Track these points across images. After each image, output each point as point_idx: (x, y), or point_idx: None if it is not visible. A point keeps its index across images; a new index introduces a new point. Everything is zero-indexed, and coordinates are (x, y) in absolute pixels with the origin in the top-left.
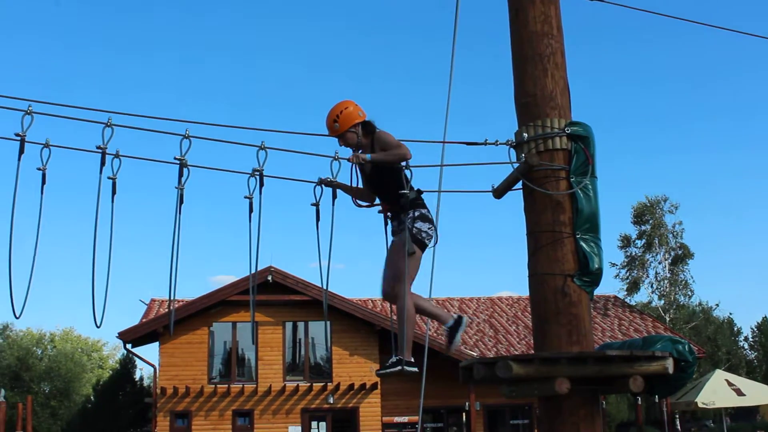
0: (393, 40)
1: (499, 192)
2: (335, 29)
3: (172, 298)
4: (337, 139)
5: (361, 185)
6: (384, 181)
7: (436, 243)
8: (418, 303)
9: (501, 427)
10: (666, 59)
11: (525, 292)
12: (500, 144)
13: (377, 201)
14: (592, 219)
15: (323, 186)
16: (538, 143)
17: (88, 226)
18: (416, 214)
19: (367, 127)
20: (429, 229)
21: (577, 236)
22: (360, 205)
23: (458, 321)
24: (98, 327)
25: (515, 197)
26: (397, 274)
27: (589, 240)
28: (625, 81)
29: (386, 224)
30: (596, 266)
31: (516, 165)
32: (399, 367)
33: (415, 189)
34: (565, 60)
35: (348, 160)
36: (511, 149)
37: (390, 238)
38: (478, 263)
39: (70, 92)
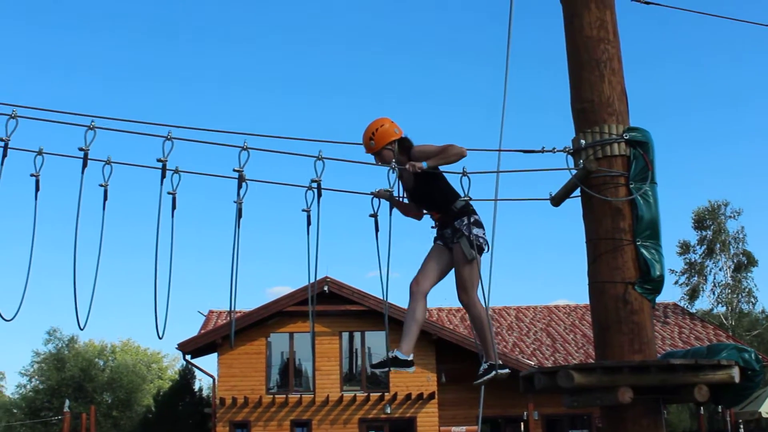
0: (448, 52)
1: (557, 200)
2: (389, 46)
3: (232, 309)
4: (374, 157)
5: (406, 200)
6: (431, 189)
7: (488, 250)
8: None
9: None
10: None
11: (582, 301)
12: (557, 151)
13: (424, 213)
14: (653, 225)
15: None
16: (596, 150)
17: (149, 239)
18: (471, 220)
19: (404, 143)
20: (483, 234)
21: (638, 243)
22: (407, 214)
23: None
24: (160, 338)
25: (573, 205)
26: (463, 284)
27: (650, 247)
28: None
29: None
30: (658, 273)
31: (574, 172)
32: (493, 372)
33: (464, 197)
34: (622, 65)
35: (407, 168)
36: (569, 156)
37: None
38: (535, 272)
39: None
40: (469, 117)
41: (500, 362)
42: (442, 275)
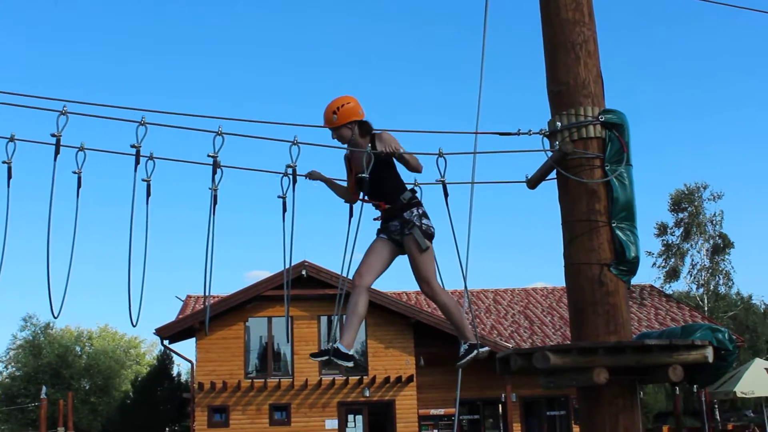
0: (424, 30)
1: (533, 182)
2: (369, 18)
3: (207, 295)
4: (331, 132)
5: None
6: (385, 177)
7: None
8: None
9: (537, 418)
10: (713, 45)
11: (559, 283)
12: (533, 134)
13: (359, 198)
14: (628, 207)
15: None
16: (571, 132)
17: (124, 224)
18: (420, 211)
19: (364, 126)
20: (431, 226)
21: (613, 225)
22: (364, 200)
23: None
24: (134, 326)
25: (549, 187)
26: (422, 275)
27: (626, 228)
28: (669, 69)
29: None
30: (633, 255)
31: (550, 154)
32: (475, 352)
33: (409, 188)
34: (597, 47)
35: (384, 151)
36: (545, 139)
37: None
38: (511, 255)
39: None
40: (446, 93)
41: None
42: (384, 268)
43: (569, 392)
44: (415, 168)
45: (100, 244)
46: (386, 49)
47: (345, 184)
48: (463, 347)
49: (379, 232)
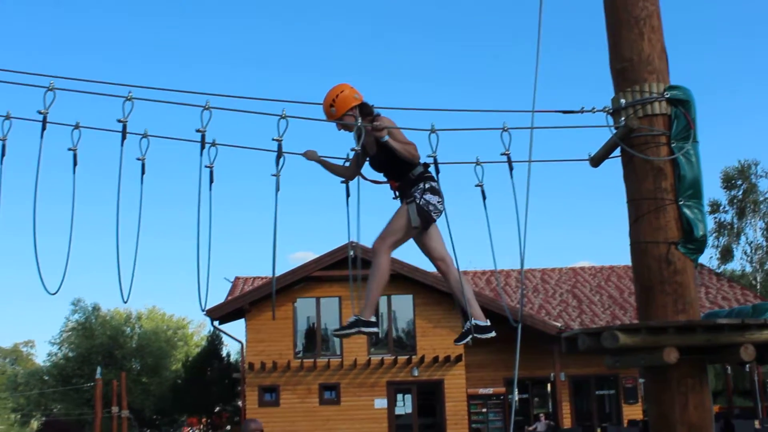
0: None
1: (596, 160)
2: None
3: (274, 275)
4: (335, 124)
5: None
6: (390, 157)
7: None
8: (459, 284)
9: (586, 397)
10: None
11: (605, 262)
12: (597, 111)
13: (358, 175)
14: (695, 185)
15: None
16: (636, 109)
17: (169, 205)
18: (426, 186)
19: (364, 109)
20: (438, 202)
21: (680, 203)
22: (365, 178)
23: (490, 328)
24: (203, 311)
25: (587, 169)
26: (386, 232)
27: (693, 206)
28: (719, 41)
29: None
30: (701, 233)
31: (614, 131)
32: (355, 329)
33: (422, 163)
34: (661, 22)
35: (371, 129)
36: (608, 116)
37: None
38: (554, 234)
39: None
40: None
41: (484, 323)
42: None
43: (619, 372)
44: (407, 160)
45: (143, 226)
46: (444, 20)
47: (345, 164)
48: (467, 325)
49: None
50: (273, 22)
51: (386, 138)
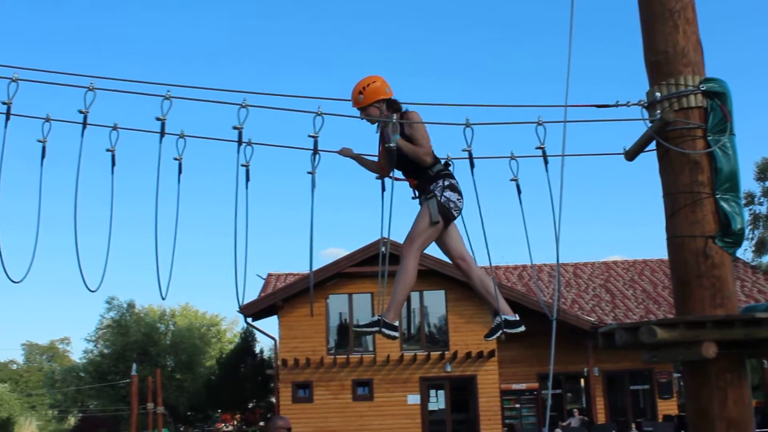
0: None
1: (630, 154)
2: None
3: (311, 270)
4: (359, 112)
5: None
6: (403, 155)
7: (458, 214)
8: (483, 281)
9: (620, 392)
10: None
11: (637, 256)
12: (632, 105)
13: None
14: (732, 178)
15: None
16: (672, 102)
17: (211, 205)
18: (446, 183)
19: (393, 105)
20: (458, 200)
21: (717, 196)
22: (388, 177)
23: (519, 322)
24: (240, 308)
25: (619, 162)
26: (413, 234)
27: (730, 200)
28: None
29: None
30: (738, 226)
31: (649, 124)
32: (377, 328)
33: (443, 161)
34: (696, 14)
35: (378, 122)
36: (643, 110)
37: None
38: (586, 228)
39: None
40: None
41: (513, 318)
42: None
43: (654, 366)
44: (414, 156)
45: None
46: (478, 16)
47: (376, 159)
48: (498, 319)
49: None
50: (310, 20)
51: (395, 140)
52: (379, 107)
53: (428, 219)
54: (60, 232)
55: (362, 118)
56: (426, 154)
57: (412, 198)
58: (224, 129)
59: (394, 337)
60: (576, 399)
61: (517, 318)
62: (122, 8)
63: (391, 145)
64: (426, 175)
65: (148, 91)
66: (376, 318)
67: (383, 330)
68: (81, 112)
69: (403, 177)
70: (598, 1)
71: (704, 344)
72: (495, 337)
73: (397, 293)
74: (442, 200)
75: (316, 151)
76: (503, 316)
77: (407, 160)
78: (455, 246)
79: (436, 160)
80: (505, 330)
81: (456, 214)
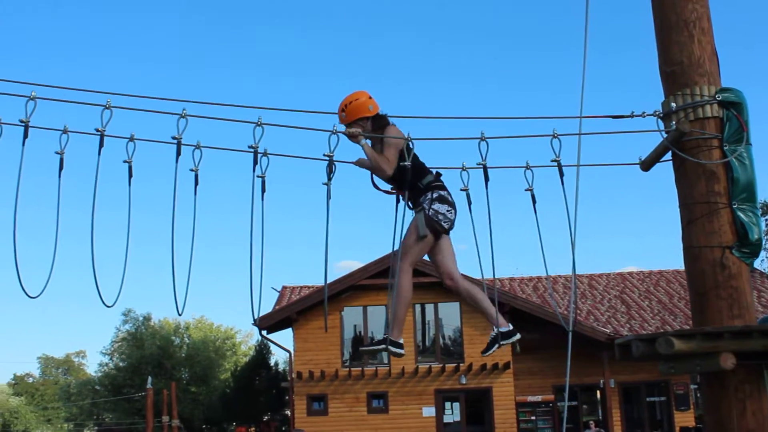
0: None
1: (646, 164)
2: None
3: (326, 286)
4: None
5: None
6: (399, 167)
7: (450, 227)
8: (471, 293)
9: (636, 404)
10: None
11: (652, 267)
12: (647, 115)
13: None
14: (749, 188)
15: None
16: (687, 112)
17: (223, 217)
18: (434, 195)
19: (378, 121)
20: (448, 211)
21: (734, 206)
22: (378, 188)
23: (513, 332)
24: (255, 322)
25: (633, 173)
26: (403, 249)
27: (747, 210)
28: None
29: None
30: (756, 237)
31: (665, 135)
32: (496, 345)
33: (434, 171)
34: (711, 24)
35: (343, 133)
36: (659, 120)
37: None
38: (600, 238)
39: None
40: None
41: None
42: (430, 249)
43: (670, 378)
44: (375, 170)
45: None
46: (492, 26)
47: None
48: (492, 334)
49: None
50: (326, 32)
51: (363, 141)
52: (363, 125)
53: (416, 235)
54: (75, 243)
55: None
56: (386, 163)
57: (410, 209)
58: (239, 139)
59: (400, 355)
60: (592, 411)
61: (511, 328)
62: (138, 23)
63: (362, 143)
64: (416, 187)
65: (165, 108)
66: (382, 337)
67: (390, 348)
68: (98, 130)
69: (390, 188)
70: (612, 11)
71: (722, 355)
72: (492, 351)
73: (397, 311)
74: (430, 213)
75: (331, 167)
76: (498, 329)
77: (397, 172)
78: (445, 263)
79: (427, 171)
80: (501, 342)
81: (446, 226)
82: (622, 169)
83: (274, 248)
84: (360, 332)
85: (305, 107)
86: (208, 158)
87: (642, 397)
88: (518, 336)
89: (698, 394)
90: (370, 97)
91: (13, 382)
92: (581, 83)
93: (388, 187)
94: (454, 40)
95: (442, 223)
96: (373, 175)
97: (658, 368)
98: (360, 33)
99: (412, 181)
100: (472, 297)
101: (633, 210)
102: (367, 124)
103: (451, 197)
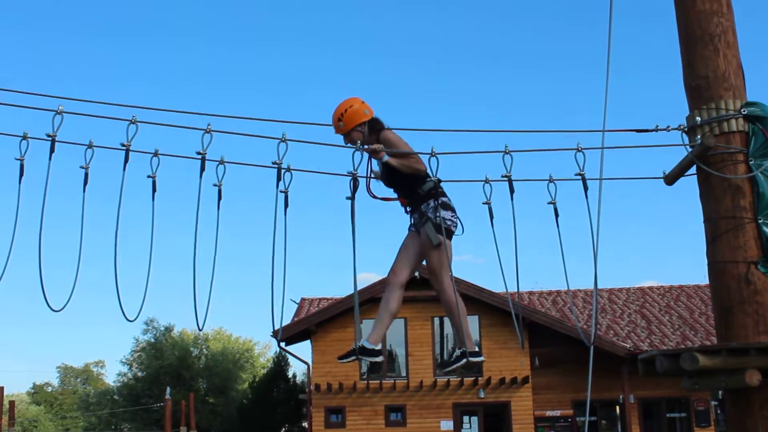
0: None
1: (670, 178)
2: (479, 15)
3: (356, 294)
4: (343, 138)
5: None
6: (398, 173)
7: (462, 231)
8: (451, 307)
9: (657, 420)
10: None
11: (672, 282)
12: (672, 129)
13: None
14: None
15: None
16: (712, 126)
17: (243, 231)
18: (438, 202)
19: (374, 125)
20: (452, 216)
21: (760, 221)
22: (375, 196)
23: (478, 353)
24: (274, 334)
25: (655, 185)
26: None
27: None
28: None
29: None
30: None
31: (689, 149)
32: (464, 360)
33: (433, 179)
34: (736, 38)
35: (365, 150)
36: (683, 134)
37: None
38: (619, 253)
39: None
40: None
41: (475, 349)
42: (418, 262)
43: (690, 394)
44: (412, 174)
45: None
46: (516, 45)
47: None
48: (458, 351)
49: (409, 226)
50: (346, 51)
51: (386, 158)
52: (361, 130)
53: (431, 245)
54: (98, 257)
55: (346, 143)
56: (417, 161)
57: (406, 212)
58: (262, 154)
59: (378, 362)
60: (611, 426)
61: (477, 350)
62: (166, 40)
63: (386, 158)
64: (416, 194)
65: (190, 123)
66: (459, 352)
67: (470, 359)
68: (123, 145)
69: (393, 196)
70: (637, 25)
71: (747, 372)
72: (453, 369)
73: (381, 321)
74: (437, 221)
75: (356, 185)
76: (465, 349)
77: (395, 179)
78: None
79: (427, 176)
80: (469, 359)
81: (453, 230)
82: (643, 182)
83: (293, 260)
84: (379, 345)
85: (329, 123)
86: (230, 173)
87: (662, 413)
88: (482, 358)
89: (719, 411)
90: (363, 102)
91: (33, 391)
92: (605, 97)
93: (386, 194)
94: (476, 59)
95: (451, 228)
96: (369, 184)
97: (681, 384)
98: (385, 53)
99: (411, 187)
100: (450, 310)
101: (653, 225)
102: (365, 129)
103: (452, 203)
